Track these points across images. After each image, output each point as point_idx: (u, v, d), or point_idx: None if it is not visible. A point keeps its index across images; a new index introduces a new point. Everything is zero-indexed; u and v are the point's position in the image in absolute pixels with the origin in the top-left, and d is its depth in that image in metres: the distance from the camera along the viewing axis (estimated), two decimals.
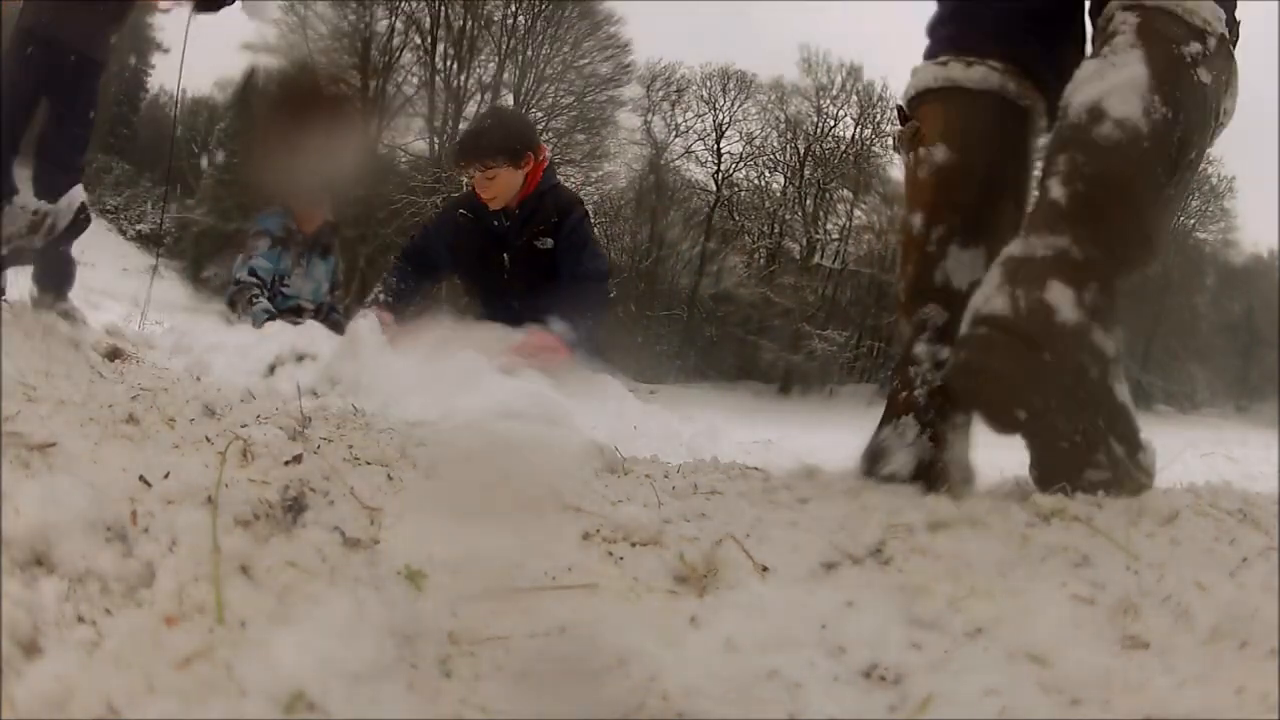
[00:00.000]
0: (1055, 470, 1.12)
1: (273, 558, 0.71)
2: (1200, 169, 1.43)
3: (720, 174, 23.47)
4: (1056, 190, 1.13)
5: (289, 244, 4.24)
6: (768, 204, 23.65)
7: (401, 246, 3.61)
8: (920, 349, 1.30)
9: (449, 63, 18.41)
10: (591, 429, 1.74)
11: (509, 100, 18.93)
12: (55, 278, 3.61)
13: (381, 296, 3.28)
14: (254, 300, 4.01)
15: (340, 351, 2.18)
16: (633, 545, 0.87)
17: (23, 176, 3.50)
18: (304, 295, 4.27)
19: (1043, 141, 1.35)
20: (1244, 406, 21.32)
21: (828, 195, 23.66)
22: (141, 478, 0.78)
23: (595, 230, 4.25)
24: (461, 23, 18.32)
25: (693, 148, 23.34)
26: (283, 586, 0.68)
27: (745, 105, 23.04)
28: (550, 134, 18.64)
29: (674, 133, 23.04)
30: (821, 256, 23.43)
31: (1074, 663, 0.65)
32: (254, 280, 4.09)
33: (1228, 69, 1.25)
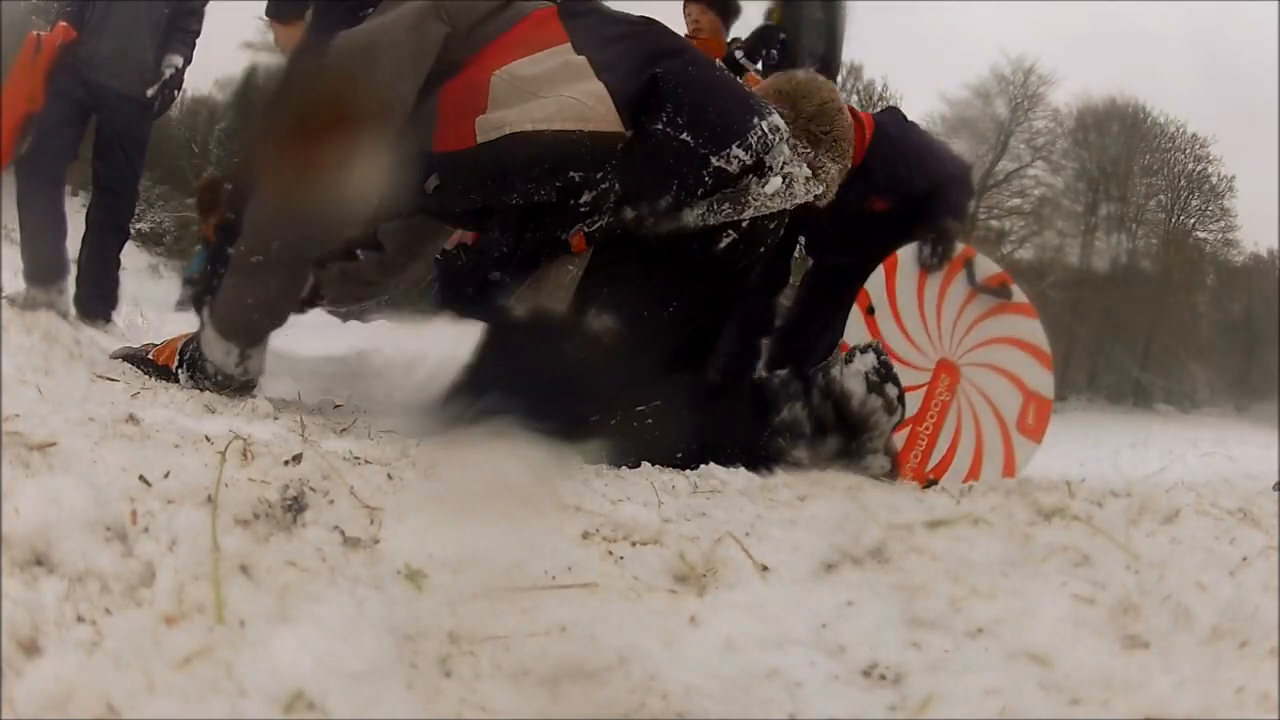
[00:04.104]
0: None
1: (273, 557, 0.71)
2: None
3: None
4: None
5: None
6: None
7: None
8: None
9: None
10: None
11: None
12: (101, 300, 3.58)
13: None
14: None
15: None
16: (633, 544, 0.87)
17: None
18: None
19: None
20: (1244, 406, 21.29)
21: None
22: (141, 477, 0.78)
23: None
24: None
25: None
26: (283, 586, 0.67)
27: None
28: None
29: None
30: None
31: (1074, 663, 0.65)
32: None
33: None
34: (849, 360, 1.32)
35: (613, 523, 0.90)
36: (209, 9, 3.74)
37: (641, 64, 1.32)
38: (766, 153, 1.33)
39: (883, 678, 0.66)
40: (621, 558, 0.84)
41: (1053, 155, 22.51)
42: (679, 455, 1.25)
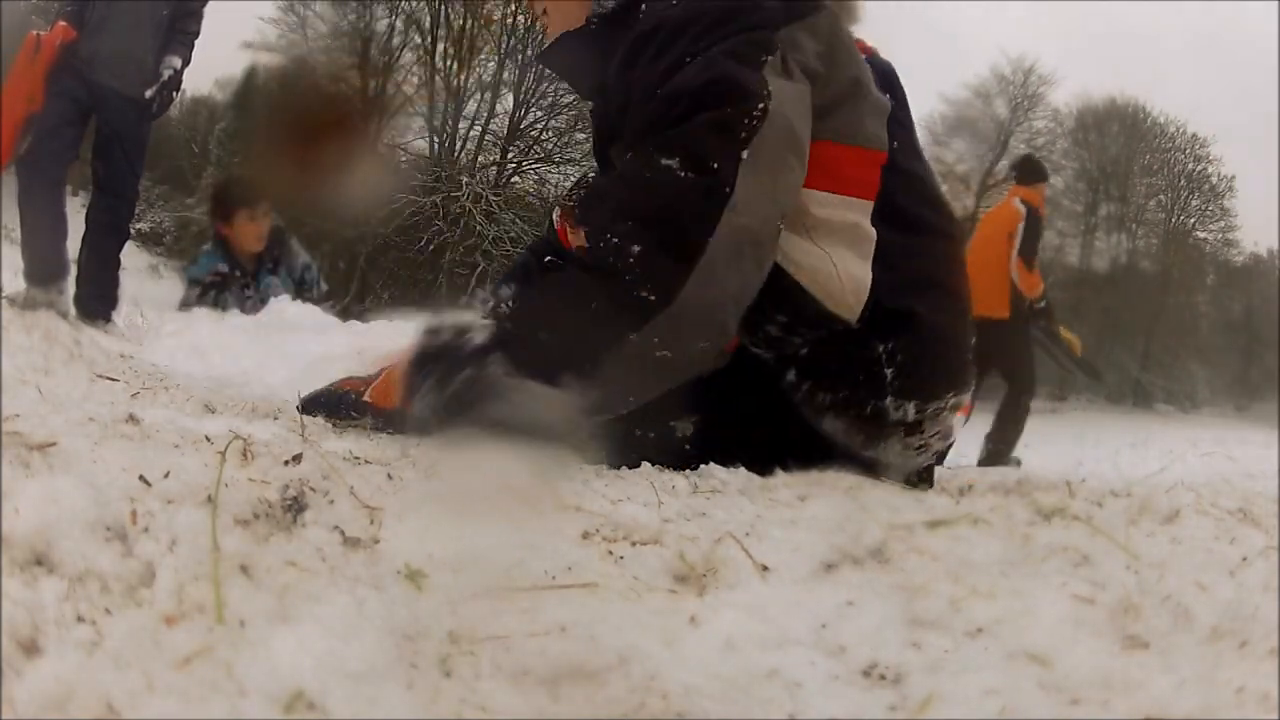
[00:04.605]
0: None
1: (273, 557, 0.71)
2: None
3: None
4: None
5: (227, 284, 4.13)
6: None
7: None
8: None
9: (449, 62, 18.38)
10: None
11: (509, 100, 18.92)
12: (101, 300, 3.58)
13: None
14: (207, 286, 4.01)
15: None
16: (633, 544, 0.87)
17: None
18: None
19: None
20: (1244, 406, 21.30)
21: None
22: (141, 477, 0.78)
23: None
24: (461, 22, 18.30)
25: None
26: (282, 586, 0.68)
27: None
28: (550, 132, 18.56)
29: None
30: None
31: (1074, 663, 0.65)
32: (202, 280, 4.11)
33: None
34: None
35: (613, 523, 0.90)
36: (209, 9, 3.74)
37: (909, 286, 1.22)
38: (934, 421, 1.26)
39: (883, 678, 0.66)
40: (621, 558, 0.84)
41: (1053, 155, 22.51)
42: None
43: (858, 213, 1.20)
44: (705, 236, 1.06)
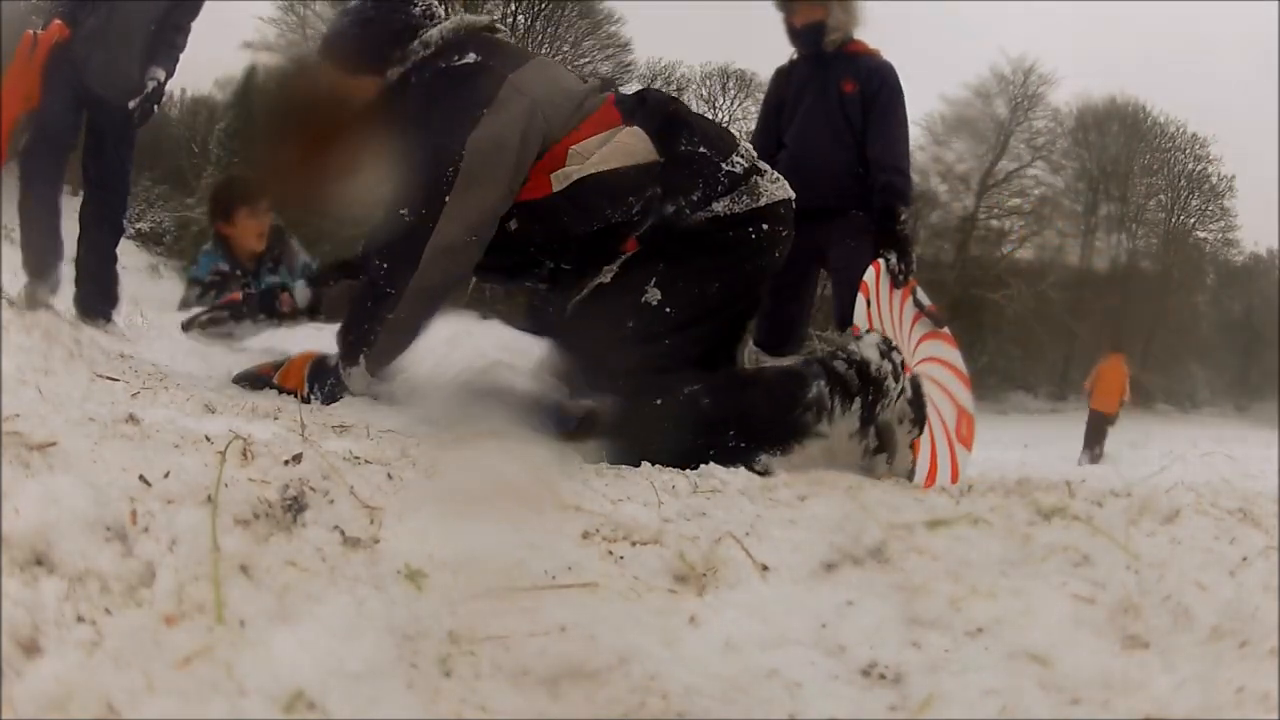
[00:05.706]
0: None
1: (273, 557, 0.71)
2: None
3: None
4: None
5: (227, 284, 4.09)
6: None
7: None
8: None
9: None
10: None
11: None
12: (102, 298, 3.58)
13: None
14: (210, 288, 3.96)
15: None
16: (633, 544, 0.87)
17: None
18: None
19: None
20: (1244, 406, 21.33)
21: None
22: (141, 477, 0.78)
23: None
24: None
25: None
26: (283, 586, 0.68)
27: (745, 104, 22.99)
28: None
29: None
30: None
31: (1074, 663, 0.65)
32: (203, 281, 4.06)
33: None
34: (859, 338, 1.64)
35: (613, 523, 0.91)
36: (209, 8, 3.75)
37: (658, 108, 1.77)
38: (755, 160, 1.75)
39: (883, 678, 0.66)
40: (621, 558, 0.84)
41: (1053, 155, 22.53)
42: (730, 433, 1.50)
43: (608, 134, 1.73)
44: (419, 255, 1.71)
